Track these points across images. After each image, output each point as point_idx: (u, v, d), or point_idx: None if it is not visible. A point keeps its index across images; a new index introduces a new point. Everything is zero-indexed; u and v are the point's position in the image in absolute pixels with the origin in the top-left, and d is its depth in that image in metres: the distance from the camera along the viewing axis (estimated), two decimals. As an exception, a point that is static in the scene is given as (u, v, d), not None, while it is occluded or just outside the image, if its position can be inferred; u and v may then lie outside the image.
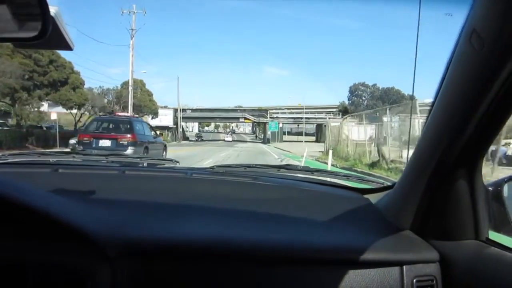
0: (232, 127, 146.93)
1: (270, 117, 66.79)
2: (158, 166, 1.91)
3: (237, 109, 68.13)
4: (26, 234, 0.86)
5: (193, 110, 68.82)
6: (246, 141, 72.41)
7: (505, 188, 0.99)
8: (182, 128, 68.55)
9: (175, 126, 65.37)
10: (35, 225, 0.85)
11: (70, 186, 1.23)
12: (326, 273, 0.97)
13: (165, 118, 65.31)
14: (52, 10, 0.83)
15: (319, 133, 69.01)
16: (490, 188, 0.99)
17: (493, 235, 0.98)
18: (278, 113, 69.40)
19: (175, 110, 66.47)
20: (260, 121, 66.88)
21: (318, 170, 1.74)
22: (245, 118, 66.81)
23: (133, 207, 1.14)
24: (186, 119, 68.84)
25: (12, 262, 0.85)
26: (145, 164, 1.83)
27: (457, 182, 0.95)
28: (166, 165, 1.92)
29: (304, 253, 0.99)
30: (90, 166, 1.67)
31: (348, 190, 1.53)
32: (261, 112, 66.97)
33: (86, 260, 0.88)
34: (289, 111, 69.53)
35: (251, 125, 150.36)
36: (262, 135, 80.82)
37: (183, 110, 68.82)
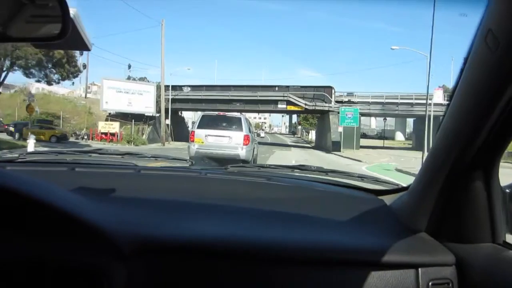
0: (265, 127, 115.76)
1: (337, 101, 35.58)
2: (173, 165, 1.83)
3: (275, 87, 37.39)
4: (43, 232, 0.86)
5: (194, 88, 38.70)
6: (288, 145, 41.54)
7: None
8: (173, 119, 38.05)
9: (158, 115, 35.56)
10: (51, 223, 0.85)
11: (87, 184, 1.22)
12: (341, 274, 0.97)
13: (140, 100, 35.66)
14: (71, 11, 0.85)
15: (423, 135, 37.76)
16: (507, 190, 0.97)
17: (511, 238, 0.96)
18: (351, 98, 38.12)
19: (166, 88, 36.73)
20: (317, 108, 35.70)
21: (332, 171, 1.71)
22: (289, 103, 36.04)
23: (149, 206, 1.14)
24: (183, 102, 38.74)
25: (29, 260, 0.85)
26: (160, 164, 1.82)
27: (473, 183, 0.94)
28: (181, 165, 1.85)
29: (319, 253, 0.99)
30: (106, 165, 1.68)
31: (363, 191, 1.50)
32: (320, 91, 35.90)
33: (102, 258, 0.88)
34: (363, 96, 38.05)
35: (287, 121, 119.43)
36: (316, 135, 49.22)
37: (177, 88, 38.81)
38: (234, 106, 38.34)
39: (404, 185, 1.37)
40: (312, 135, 62.71)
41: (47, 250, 0.86)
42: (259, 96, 36.54)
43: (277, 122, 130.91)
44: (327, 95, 35.48)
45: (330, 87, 36.21)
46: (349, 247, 1.01)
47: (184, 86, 38.81)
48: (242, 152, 10.08)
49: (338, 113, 33.53)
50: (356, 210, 1.23)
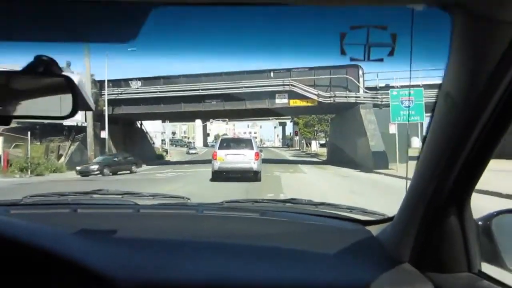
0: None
1: (367, 88, 22.76)
2: (170, 202, 1.99)
3: (269, 72, 24.53)
4: (42, 276, 0.90)
5: (147, 81, 25.74)
6: (291, 161, 29.00)
7: (494, 222, 1.04)
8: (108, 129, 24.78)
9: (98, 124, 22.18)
10: (51, 267, 0.90)
11: (89, 226, 1.28)
12: None
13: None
14: (75, 78, 0.89)
15: None
16: (479, 223, 1.05)
17: (486, 267, 1.04)
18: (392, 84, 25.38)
19: (100, 83, 23.89)
20: (336, 100, 22.75)
21: (322, 204, 1.84)
22: (292, 96, 23.30)
23: (149, 248, 1.21)
24: (132, 104, 25.82)
25: None
26: (158, 202, 1.94)
27: (449, 218, 1.01)
28: (178, 202, 1.97)
29: None
30: (107, 205, 1.80)
31: (351, 222, 1.60)
32: (340, 74, 23.09)
33: None
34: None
35: (280, 133, 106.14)
36: (328, 144, 36.01)
37: (122, 83, 25.92)
38: (208, 106, 25.26)
39: (390, 215, 1.42)
40: (316, 146, 49.64)
41: None
42: (245, 87, 23.62)
43: (268, 136, 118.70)
44: (353, 80, 22.73)
45: (356, 67, 22.85)
46: (337, 285, 1.09)
47: (132, 79, 25.86)
48: (254, 165, 13.81)
49: (375, 105, 20.86)
50: (343, 242, 1.31)
